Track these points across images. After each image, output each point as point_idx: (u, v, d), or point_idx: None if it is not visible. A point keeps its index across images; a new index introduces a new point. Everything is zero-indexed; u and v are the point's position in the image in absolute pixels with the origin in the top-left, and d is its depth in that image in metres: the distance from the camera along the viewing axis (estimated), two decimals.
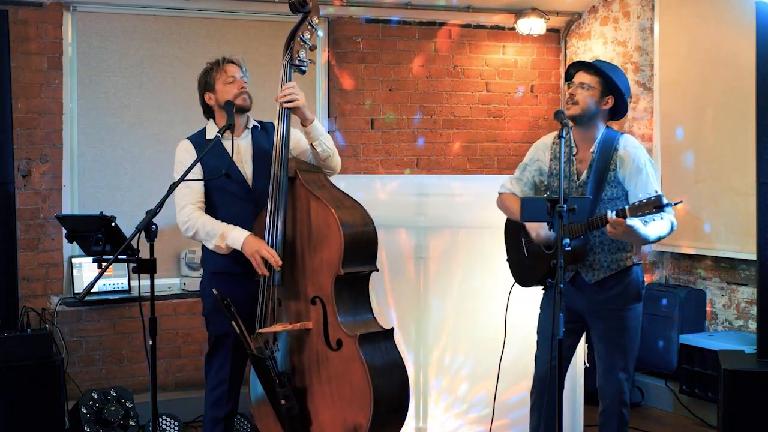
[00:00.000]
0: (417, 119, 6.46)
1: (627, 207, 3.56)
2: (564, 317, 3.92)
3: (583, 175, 3.90)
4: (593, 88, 3.85)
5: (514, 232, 4.14)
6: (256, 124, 4.19)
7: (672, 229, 3.81)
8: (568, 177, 3.92)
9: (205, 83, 4.13)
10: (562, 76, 6.67)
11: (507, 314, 4.17)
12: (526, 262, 4.06)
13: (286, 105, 3.95)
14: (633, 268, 3.95)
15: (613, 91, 3.87)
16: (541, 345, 4.09)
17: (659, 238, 3.76)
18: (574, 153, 3.94)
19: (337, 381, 3.79)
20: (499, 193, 4.16)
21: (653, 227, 3.68)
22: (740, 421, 4.51)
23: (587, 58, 6.64)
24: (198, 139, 4.13)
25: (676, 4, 5.89)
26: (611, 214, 3.54)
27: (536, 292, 4.16)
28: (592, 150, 3.90)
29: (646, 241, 3.77)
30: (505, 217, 4.20)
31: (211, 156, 3.96)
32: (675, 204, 3.52)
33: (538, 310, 4.17)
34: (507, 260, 4.22)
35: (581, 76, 3.89)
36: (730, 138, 5.45)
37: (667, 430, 5.50)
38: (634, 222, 3.53)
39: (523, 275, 4.12)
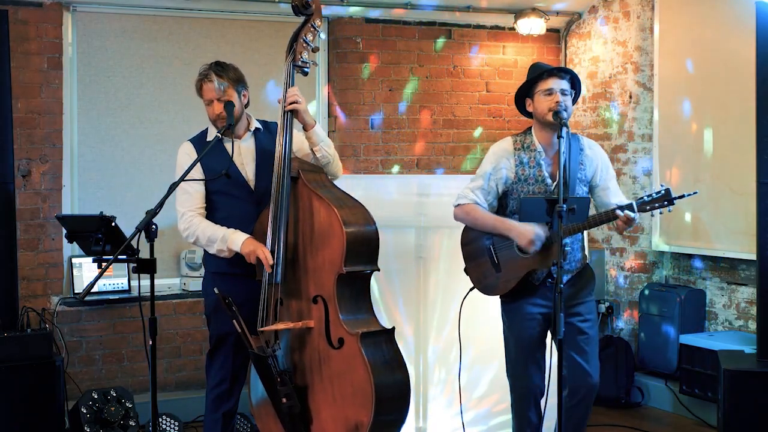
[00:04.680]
0: (417, 119, 6.47)
1: (635, 203, 3.71)
2: (541, 321, 3.97)
3: (558, 177, 3.92)
4: (570, 93, 3.97)
5: (476, 241, 4.12)
6: (259, 126, 4.18)
7: None
8: (540, 181, 3.97)
9: (197, 91, 4.11)
10: None
11: (460, 322, 4.27)
12: (495, 271, 4.05)
13: (287, 107, 3.96)
14: (587, 261, 4.17)
15: (576, 94, 4.03)
16: (521, 356, 4.06)
17: None
18: (542, 157, 3.98)
19: (338, 379, 3.79)
20: (459, 205, 4.11)
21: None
22: (740, 421, 4.52)
23: (587, 58, 6.64)
24: (199, 141, 4.13)
25: (676, 4, 5.89)
26: (629, 213, 3.70)
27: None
28: (563, 151, 3.93)
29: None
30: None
31: (212, 157, 3.97)
32: (689, 195, 3.70)
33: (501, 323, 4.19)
34: (465, 270, 4.20)
35: (558, 83, 3.94)
36: (730, 138, 5.45)
37: (667, 430, 5.50)
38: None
39: (489, 284, 4.10)
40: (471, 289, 4.19)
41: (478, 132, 6.63)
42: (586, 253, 4.17)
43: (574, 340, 3.99)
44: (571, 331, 3.98)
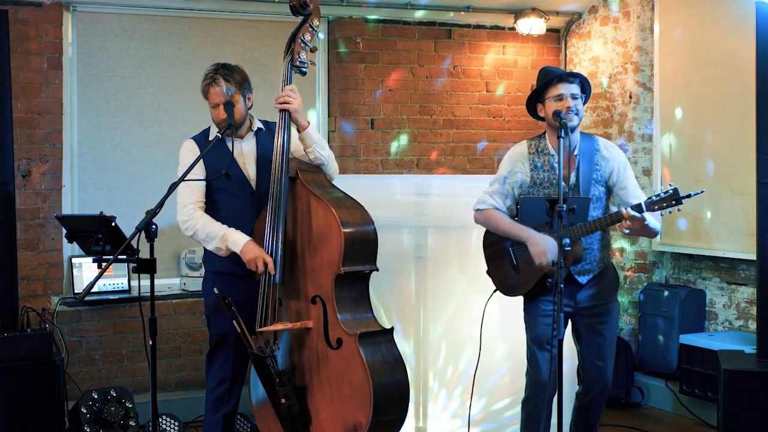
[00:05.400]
0: (417, 119, 6.47)
1: (643, 203, 3.72)
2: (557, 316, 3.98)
3: (572, 179, 3.94)
4: (580, 97, 3.98)
5: (497, 243, 4.16)
6: (261, 126, 4.18)
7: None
8: (554, 184, 3.98)
9: (202, 93, 4.11)
10: None
11: (483, 324, 4.28)
12: (514, 272, 4.08)
13: (278, 107, 3.95)
14: (611, 262, 4.17)
15: (585, 97, 4.04)
16: (536, 352, 4.08)
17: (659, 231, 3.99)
18: (556, 160, 3.99)
19: (337, 380, 3.80)
20: (480, 210, 4.16)
21: (655, 220, 3.86)
22: (740, 421, 4.52)
23: (587, 58, 6.64)
24: (202, 139, 4.13)
25: (676, 4, 5.89)
26: (632, 212, 3.69)
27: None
28: (576, 154, 3.94)
29: (655, 233, 3.95)
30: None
31: (214, 156, 3.97)
32: (696, 194, 3.70)
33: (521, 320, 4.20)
34: (487, 272, 4.25)
35: (569, 87, 3.96)
36: (730, 138, 5.45)
37: (667, 430, 5.50)
38: (647, 216, 3.73)
39: (510, 285, 4.14)
40: (495, 291, 4.23)
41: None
42: (609, 252, 4.15)
43: (592, 340, 4.05)
44: (590, 331, 4.04)
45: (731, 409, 4.52)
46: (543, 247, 3.88)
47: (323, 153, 4.07)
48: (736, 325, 5.55)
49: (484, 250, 4.24)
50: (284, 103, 3.94)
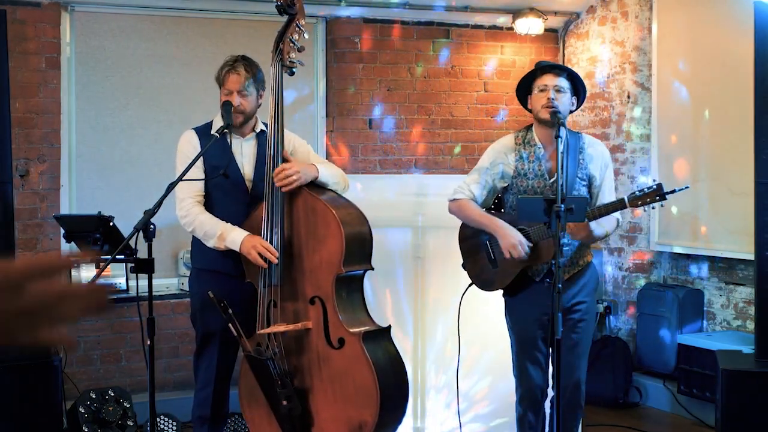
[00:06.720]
0: (415, 119, 6.47)
1: (626, 198, 3.71)
2: (544, 322, 3.96)
3: (557, 177, 3.93)
4: (567, 91, 3.94)
5: (473, 237, 4.13)
6: (264, 128, 4.15)
7: (618, 225, 4.13)
8: (539, 176, 3.97)
9: (218, 79, 4.08)
10: None
11: (459, 317, 4.24)
12: (491, 266, 4.05)
13: (284, 189, 3.85)
14: (592, 261, 4.15)
15: (578, 93, 4.01)
16: (521, 354, 4.05)
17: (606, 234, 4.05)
18: (542, 152, 3.99)
19: (339, 380, 3.79)
20: (456, 199, 4.11)
21: (601, 227, 3.93)
22: (738, 421, 4.52)
23: (585, 58, 6.64)
24: (204, 132, 4.09)
25: (674, 4, 5.89)
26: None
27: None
28: (561, 150, 3.93)
29: (597, 239, 4.03)
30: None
31: (213, 152, 3.96)
32: (680, 189, 3.71)
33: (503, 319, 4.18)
34: (463, 266, 4.20)
35: (553, 79, 3.93)
36: (728, 138, 5.46)
37: (665, 430, 5.51)
38: (592, 224, 3.80)
39: (487, 279, 4.11)
40: (470, 285, 4.19)
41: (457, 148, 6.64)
42: (587, 251, 4.14)
43: (567, 337, 3.98)
44: (566, 329, 3.97)
45: (729, 409, 4.53)
46: (513, 241, 3.86)
47: (339, 186, 4.07)
48: (734, 325, 5.56)
49: (460, 244, 4.20)
50: (289, 184, 3.83)
